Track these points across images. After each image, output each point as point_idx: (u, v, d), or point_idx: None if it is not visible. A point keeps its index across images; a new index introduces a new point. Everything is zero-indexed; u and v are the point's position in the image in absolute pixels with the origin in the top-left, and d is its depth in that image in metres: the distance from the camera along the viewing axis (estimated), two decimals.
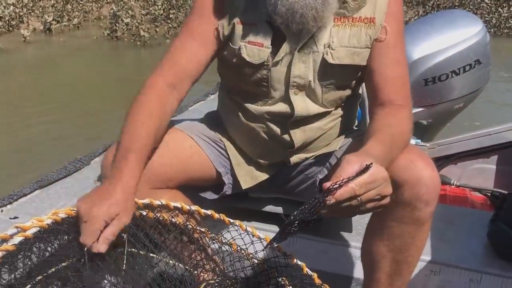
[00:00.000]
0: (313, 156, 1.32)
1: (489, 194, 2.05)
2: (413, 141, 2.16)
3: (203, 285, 1.07)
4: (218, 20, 1.20)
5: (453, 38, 2.05)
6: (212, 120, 1.40)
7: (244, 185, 1.33)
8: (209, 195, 1.37)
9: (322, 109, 1.24)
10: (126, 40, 8.51)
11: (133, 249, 1.08)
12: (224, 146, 1.35)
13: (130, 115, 1.10)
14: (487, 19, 9.49)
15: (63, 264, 0.94)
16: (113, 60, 7.55)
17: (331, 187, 0.85)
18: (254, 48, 1.19)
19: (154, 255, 1.11)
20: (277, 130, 1.26)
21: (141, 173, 1.05)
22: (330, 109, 1.26)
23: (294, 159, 1.31)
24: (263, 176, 1.35)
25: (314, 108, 1.24)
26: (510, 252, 1.37)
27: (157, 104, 1.13)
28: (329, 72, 1.19)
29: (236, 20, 1.19)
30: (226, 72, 1.30)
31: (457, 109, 2.23)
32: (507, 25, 9.32)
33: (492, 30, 9.34)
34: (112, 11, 8.99)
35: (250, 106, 1.26)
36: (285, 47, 1.17)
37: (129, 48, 8.10)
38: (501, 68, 6.78)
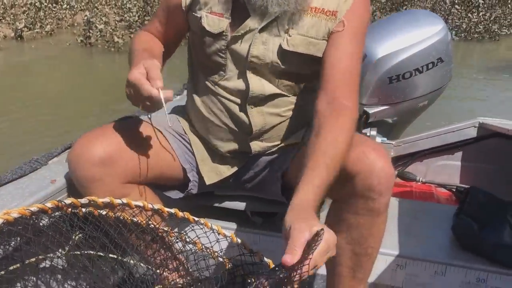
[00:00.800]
0: (274, 146, 1.31)
1: (454, 190, 2.08)
2: (379, 139, 2.18)
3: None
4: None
5: (416, 36, 2.08)
6: (178, 114, 1.39)
7: (208, 181, 1.31)
8: (175, 194, 1.34)
9: (278, 91, 1.24)
10: (100, 47, 8.42)
11: (91, 251, 1.04)
12: (189, 140, 1.33)
13: (134, 47, 1.26)
14: (458, 24, 9.73)
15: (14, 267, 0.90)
16: (86, 66, 7.44)
17: (296, 267, 0.83)
18: (215, 18, 1.21)
19: (114, 256, 1.08)
20: (235, 109, 1.26)
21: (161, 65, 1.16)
22: (287, 95, 1.25)
23: (255, 147, 1.30)
24: (228, 171, 1.33)
25: (270, 88, 1.24)
26: (473, 244, 1.39)
27: (151, 41, 1.32)
28: (287, 58, 1.19)
29: None
30: (192, 44, 1.33)
31: (422, 107, 2.26)
32: (476, 30, 9.58)
33: (463, 34, 9.57)
34: (85, 17, 8.89)
35: (209, 80, 1.27)
36: (247, 24, 1.18)
37: (103, 54, 8.00)
38: (472, 69, 6.99)
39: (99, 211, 1.09)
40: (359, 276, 1.19)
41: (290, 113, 1.28)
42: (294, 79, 1.23)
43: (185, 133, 1.34)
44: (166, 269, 1.14)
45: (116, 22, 9.61)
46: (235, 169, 1.34)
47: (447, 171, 2.25)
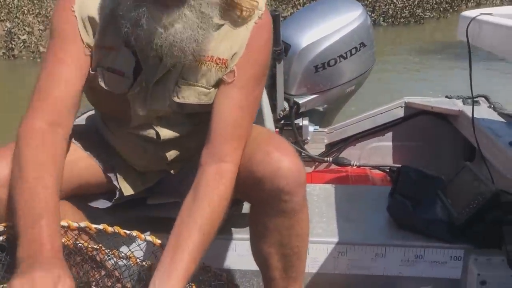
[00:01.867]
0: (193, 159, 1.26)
1: (387, 170, 2.14)
2: (311, 128, 2.20)
3: None
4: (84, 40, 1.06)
5: (337, 23, 2.11)
6: (93, 122, 1.30)
7: (126, 192, 1.25)
8: (102, 204, 1.26)
9: (188, 129, 1.19)
10: (25, 58, 7.99)
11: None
12: (110, 148, 1.26)
13: (19, 175, 0.94)
14: (384, 10, 10.04)
15: None
16: (11, 80, 6.99)
17: None
18: (113, 76, 1.08)
19: None
20: (148, 147, 1.20)
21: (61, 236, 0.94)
22: (198, 127, 1.18)
23: (175, 168, 1.26)
24: (148, 182, 1.28)
25: (179, 130, 1.18)
26: (408, 222, 1.42)
27: (46, 154, 0.97)
28: (184, 106, 1.13)
29: (93, 43, 1.06)
30: (88, 88, 1.15)
31: (349, 92, 2.30)
32: (402, 14, 9.95)
33: (390, 20, 9.92)
34: (6, 28, 8.38)
35: (117, 128, 1.20)
36: (141, 79, 1.09)
37: (28, 66, 7.57)
38: (400, 53, 7.26)
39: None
40: (292, 275, 1.17)
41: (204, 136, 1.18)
42: (201, 117, 1.16)
43: (105, 142, 1.27)
44: None
45: (41, 31, 9.14)
46: (156, 180, 1.29)
47: (380, 153, 2.31)
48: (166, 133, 1.17)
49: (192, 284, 1.09)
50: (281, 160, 1.03)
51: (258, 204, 1.10)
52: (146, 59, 1.06)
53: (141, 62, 1.07)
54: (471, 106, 1.81)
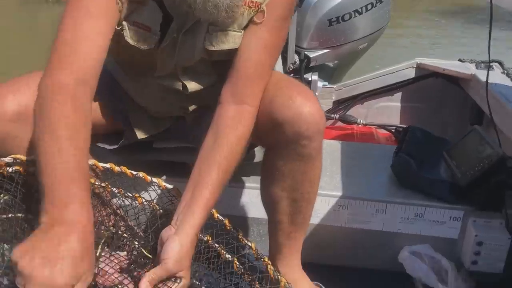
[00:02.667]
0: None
1: (393, 130, 2.13)
2: (320, 84, 2.17)
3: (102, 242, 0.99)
4: None
5: None
6: (105, 63, 1.29)
7: (140, 135, 1.25)
8: (108, 145, 1.27)
9: (213, 80, 1.18)
10: None
11: (19, 214, 0.98)
12: (121, 91, 1.25)
13: (48, 131, 0.86)
14: None
15: None
16: (23, 19, 6.87)
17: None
18: (140, 32, 1.05)
19: None
20: (172, 98, 1.20)
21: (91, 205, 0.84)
22: (222, 77, 1.13)
23: (191, 116, 1.27)
24: (161, 127, 1.28)
25: (205, 82, 1.18)
26: (411, 180, 1.43)
27: (77, 114, 0.90)
28: (214, 53, 1.11)
29: None
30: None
31: (362, 49, 2.27)
32: None
33: None
34: None
35: (137, 76, 1.19)
36: (172, 29, 1.06)
37: (40, 4, 7.40)
38: (419, 13, 7.08)
39: (28, 169, 1.02)
40: (298, 221, 1.20)
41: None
42: (226, 65, 1.12)
43: (117, 83, 1.26)
44: (105, 227, 1.09)
45: None
46: (169, 124, 1.29)
47: (387, 113, 2.30)
48: (193, 86, 1.17)
49: (207, 235, 1.12)
50: (303, 105, 1.02)
51: (275, 148, 1.10)
52: (174, 10, 1.04)
53: (172, 14, 1.05)
54: (484, 71, 1.79)
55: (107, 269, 0.91)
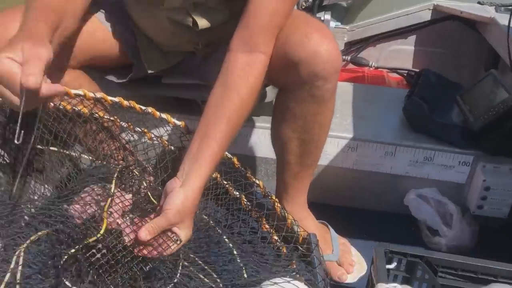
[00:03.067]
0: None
1: (405, 74, 2.09)
2: (332, 24, 2.10)
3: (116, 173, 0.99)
4: None
5: None
6: None
7: (150, 69, 1.23)
8: (117, 78, 1.25)
9: (225, 17, 1.13)
10: None
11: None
12: (132, 23, 1.21)
13: None
14: None
15: None
16: None
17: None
18: None
19: (55, 149, 1.02)
20: (183, 33, 1.15)
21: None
22: (235, 14, 1.09)
23: (202, 52, 1.23)
24: (171, 61, 1.25)
25: (216, 19, 1.12)
26: (423, 124, 1.41)
27: None
28: None
29: None
30: None
31: None
32: None
33: None
34: None
35: (147, 7, 1.14)
36: None
37: None
38: None
39: None
40: (307, 162, 1.19)
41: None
42: (238, 3, 1.06)
43: (127, 15, 1.22)
44: (114, 160, 1.10)
45: None
46: (180, 57, 1.26)
47: (400, 56, 2.24)
48: (204, 23, 1.12)
49: (216, 172, 1.12)
50: (320, 43, 0.98)
51: (288, 89, 1.07)
52: None
53: None
54: (504, 14, 1.73)
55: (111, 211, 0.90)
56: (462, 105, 1.40)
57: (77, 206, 0.89)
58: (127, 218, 0.91)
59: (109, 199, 0.90)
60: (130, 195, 0.97)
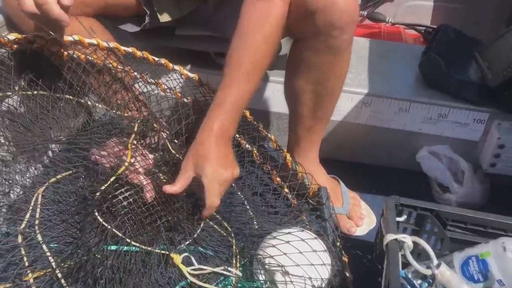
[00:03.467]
0: None
1: (423, 31, 2.04)
2: None
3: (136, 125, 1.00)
4: None
5: None
6: None
7: (162, 19, 1.21)
8: (130, 28, 1.24)
9: None
10: None
11: (44, 92, 0.98)
12: None
13: None
14: None
15: None
16: None
17: None
18: None
19: (70, 97, 1.02)
20: None
21: None
22: None
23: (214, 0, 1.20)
24: (184, 10, 1.23)
25: None
26: (439, 80, 1.39)
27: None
28: None
29: None
30: None
31: None
32: None
33: None
34: None
35: None
36: None
37: None
38: None
39: (49, 48, 1.01)
40: (320, 116, 1.19)
41: None
42: None
43: None
44: (127, 110, 1.10)
45: None
46: (193, 6, 1.24)
47: (418, 12, 2.18)
48: None
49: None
50: None
51: (304, 39, 1.06)
52: None
53: None
54: None
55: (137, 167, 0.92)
56: (480, 61, 1.37)
57: (99, 154, 0.91)
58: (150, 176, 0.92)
59: (132, 136, 0.91)
60: (152, 155, 0.98)
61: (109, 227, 0.81)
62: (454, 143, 1.41)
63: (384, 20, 2.07)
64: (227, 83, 0.96)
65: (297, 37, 1.10)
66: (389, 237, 0.86)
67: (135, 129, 0.96)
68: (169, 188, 0.88)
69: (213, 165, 0.90)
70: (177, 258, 0.85)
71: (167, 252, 0.86)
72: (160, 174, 0.93)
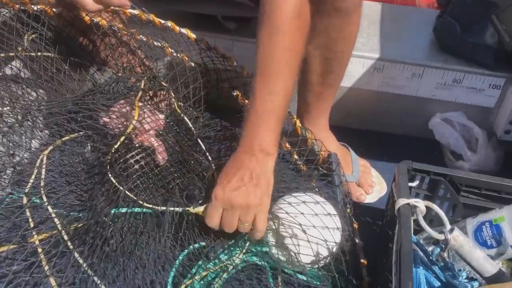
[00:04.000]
0: None
1: None
2: None
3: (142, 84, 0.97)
4: None
5: None
6: None
7: None
8: None
9: None
10: None
11: (48, 53, 0.96)
12: None
13: None
14: None
15: None
16: None
17: None
18: None
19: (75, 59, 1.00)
20: None
21: None
22: None
23: None
24: None
25: None
26: (453, 44, 1.35)
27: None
28: None
29: None
30: None
31: None
32: None
33: None
34: None
35: None
36: None
37: None
38: None
39: (52, 9, 0.98)
40: (329, 82, 1.16)
41: None
42: None
43: None
44: (132, 73, 1.08)
45: None
46: None
47: None
48: None
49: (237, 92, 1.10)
50: None
51: (311, 3, 1.02)
52: None
53: None
54: None
55: (147, 128, 0.89)
56: (497, 24, 1.31)
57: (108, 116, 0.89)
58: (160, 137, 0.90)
59: (139, 93, 0.89)
60: (163, 116, 0.96)
61: (121, 188, 0.79)
62: (468, 110, 1.37)
63: None
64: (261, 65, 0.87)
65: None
66: (401, 202, 0.84)
67: (142, 86, 0.93)
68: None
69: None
70: (195, 209, 0.83)
71: (182, 209, 0.83)
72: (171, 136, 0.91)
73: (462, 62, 1.34)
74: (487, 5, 1.42)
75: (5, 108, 0.80)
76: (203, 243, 0.85)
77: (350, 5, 1.00)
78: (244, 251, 0.86)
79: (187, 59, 1.18)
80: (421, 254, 0.87)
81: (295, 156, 1.18)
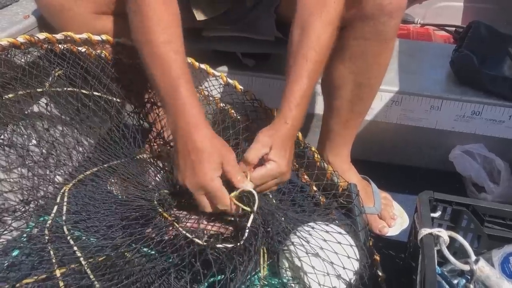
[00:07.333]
0: None
1: (453, 31, 2.00)
2: None
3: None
4: None
5: None
6: None
7: (199, 17, 1.21)
8: None
9: None
10: None
11: (74, 89, 0.99)
12: None
13: (151, 42, 0.87)
14: None
15: None
16: None
17: None
18: None
19: (98, 93, 1.03)
20: None
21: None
22: None
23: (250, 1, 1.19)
24: (220, 8, 1.22)
25: None
26: (471, 77, 1.35)
27: (169, 14, 0.89)
28: None
29: None
30: None
31: None
32: None
33: None
34: None
35: None
36: None
37: None
38: None
39: (77, 48, 1.02)
40: (358, 109, 1.16)
41: None
42: None
43: None
44: (154, 107, 1.11)
45: None
46: (228, 5, 1.23)
47: (447, 13, 2.14)
48: None
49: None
50: None
51: (350, 26, 1.03)
52: None
53: None
54: None
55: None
56: None
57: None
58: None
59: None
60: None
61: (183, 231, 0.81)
62: (488, 141, 1.36)
63: (413, 22, 2.05)
64: (292, 75, 0.92)
65: (343, 23, 1.07)
66: (424, 231, 0.83)
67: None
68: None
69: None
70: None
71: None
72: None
73: (481, 94, 1.34)
74: (503, 39, 1.44)
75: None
76: (219, 277, 0.83)
77: (390, 30, 1.02)
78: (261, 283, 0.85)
79: (206, 93, 1.21)
80: (447, 286, 0.84)
81: (314, 188, 1.17)
